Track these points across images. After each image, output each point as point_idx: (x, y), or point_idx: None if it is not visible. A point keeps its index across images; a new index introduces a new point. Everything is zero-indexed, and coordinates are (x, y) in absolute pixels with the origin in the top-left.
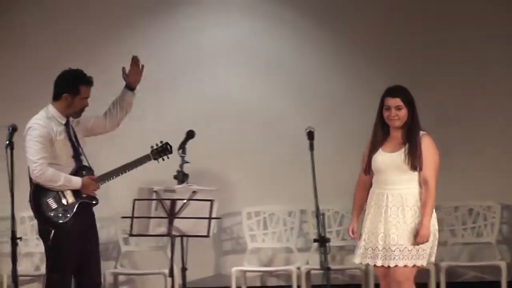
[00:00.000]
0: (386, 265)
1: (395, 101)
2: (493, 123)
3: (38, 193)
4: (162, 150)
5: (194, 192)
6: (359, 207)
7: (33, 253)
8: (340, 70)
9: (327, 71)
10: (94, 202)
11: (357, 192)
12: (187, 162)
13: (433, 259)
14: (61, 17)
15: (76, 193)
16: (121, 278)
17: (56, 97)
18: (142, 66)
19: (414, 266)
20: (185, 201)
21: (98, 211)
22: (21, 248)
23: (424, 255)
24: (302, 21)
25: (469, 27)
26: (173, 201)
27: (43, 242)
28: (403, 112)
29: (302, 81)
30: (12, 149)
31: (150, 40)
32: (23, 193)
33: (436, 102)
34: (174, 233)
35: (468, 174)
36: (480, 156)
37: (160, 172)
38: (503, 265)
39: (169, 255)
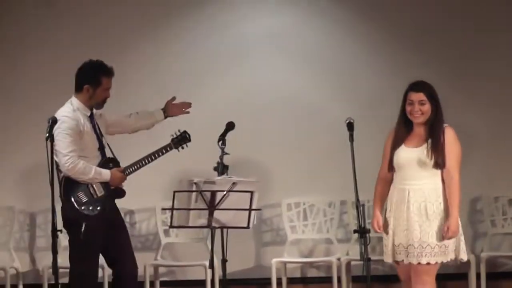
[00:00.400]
0: (407, 262)
1: (419, 96)
2: None
3: (69, 186)
4: (182, 139)
5: (234, 183)
6: (381, 201)
7: None
8: (380, 63)
9: (367, 64)
10: (122, 194)
11: (379, 186)
12: (227, 154)
13: (463, 255)
14: (92, 11)
15: (104, 185)
16: (161, 269)
17: (78, 89)
18: (188, 112)
19: (436, 263)
20: (225, 192)
21: (139, 203)
22: (61, 240)
23: (447, 252)
24: (343, 13)
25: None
26: (213, 193)
27: (70, 235)
28: (427, 107)
29: (342, 72)
30: (52, 141)
31: (190, 31)
32: None
33: (485, 89)
34: (214, 224)
35: (508, 164)
36: None
37: (200, 164)
38: None
39: (209, 246)
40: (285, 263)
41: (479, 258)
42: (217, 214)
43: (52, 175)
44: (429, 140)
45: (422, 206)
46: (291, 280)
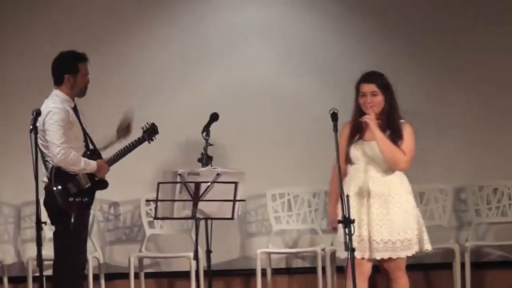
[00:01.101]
0: (372, 257)
1: (370, 87)
2: None
3: (59, 177)
4: (152, 131)
5: (218, 174)
6: (338, 197)
7: None
8: (364, 56)
9: (353, 57)
10: (105, 185)
11: (334, 181)
12: (211, 145)
13: (427, 246)
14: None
15: (90, 177)
16: (146, 261)
17: (58, 82)
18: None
19: (398, 258)
20: (209, 183)
21: (123, 194)
22: (46, 232)
23: (410, 246)
24: (331, 6)
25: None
26: (197, 184)
27: (58, 225)
28: (379, 99)
29: (328, 65)
30: (36, 133)
31: (177, 21)
32: None
33: (466, 81)
34: (198, 216)
35: (492, 153)
36: (504, 134)
37: (185, 155)
38: None
39: (194, 238)
40: (270, 253)
41: (463, 247)
42: (201, 205)
43: (37, 167)
44: (388, 132)
45: (382, 199)
46: (276, 271)
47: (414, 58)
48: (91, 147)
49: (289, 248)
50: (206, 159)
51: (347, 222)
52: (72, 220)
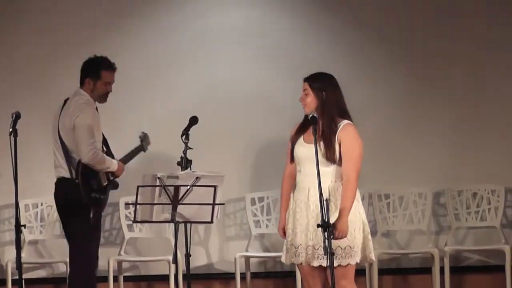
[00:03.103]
0: (310, 264)
1: (304, 85)
2: (497, 106)
3: (85, 173)
4: (147, 141)
5: (197, 178)
6: (288, 202)
7: (38, 240)
8: (344, 57)
9: (332, 59)
10: (117, 185)
11: (285, 185)
12: (190, 148)
13: (372, 255)
14: (61, 7)
15: (108, 176)
16: (125, 264)
17: (81, 83)
18: None
19: (339, 265)
20: (188, 187)
21: None
22: (26, 235)
23: (353, 254)
24: (309, 8)
25: (482, 17)
26: (177, 187)
27: (78, 217)
28: (309, 99)
29: (309, 67)
30: (15, 136)
31: (154, 23)
32: (28, 181)
33: (443, 85)
34: (177, 219)
35: (472, 158)
36: (484, 139)
37: (164, 158)
38: (507, 249)
39: (173, 241)
40: (249, 257)
41: (443, 252)
42: (180, 208)
43: (16, 170)
44: (321, 137)
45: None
46: (255, 275)
47: (393, 61)
48: (104, 149)
49: (268, 252)
50: (185, 163)
51: (326, 226)
52: (91, 215)
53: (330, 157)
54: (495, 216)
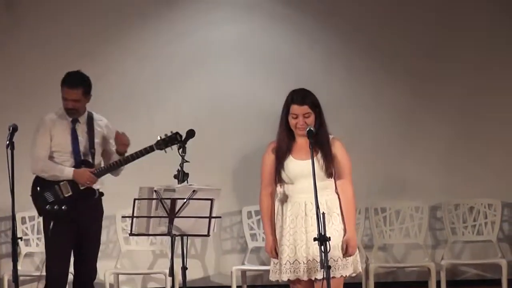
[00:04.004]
0: (312, 278)
1: (303, 109)
2: (495, 121)
3: (38, 185)
4: (170, 140)
5: (194, 191)
6: (272, 220)
7: (34, 253)
8: (339, 69)
9: (327, 70)
10: (93, 194)
11: (267, 205)
12: (187, 162)
13: (359, 267)
14: (61, 16)
15: (72, 186)
16: (121, 277)
17: None
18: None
19: (341, 276)
20: (185, 200)
21: None
22: (22, 248)
23: (348, 265)
24: (305, 21)
25: (476, 27)
26: (173, 201)
27: (44, 233)
28: (311, 119)
29: (305, 80)
30: (12, 149)
31: (153, 36)
32: (24, 193)
33: (438, 101)
34: (174, 232)
35: (469, 172)
36: (481, 154)
37: (161, 171)
38: (503, 263)
39: (170, 254)
40: (245, 271)
41: (439, 265)
42: (177, 222)
43: (13, 182)
44: (320, 152)
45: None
46: None
47: (391, 77)
48: (86, 158)
49: (264, 266)
50: (182, 176)
51: (323, 239)
52: (51, 227)
53: (330, 171)
54: (491, 230)
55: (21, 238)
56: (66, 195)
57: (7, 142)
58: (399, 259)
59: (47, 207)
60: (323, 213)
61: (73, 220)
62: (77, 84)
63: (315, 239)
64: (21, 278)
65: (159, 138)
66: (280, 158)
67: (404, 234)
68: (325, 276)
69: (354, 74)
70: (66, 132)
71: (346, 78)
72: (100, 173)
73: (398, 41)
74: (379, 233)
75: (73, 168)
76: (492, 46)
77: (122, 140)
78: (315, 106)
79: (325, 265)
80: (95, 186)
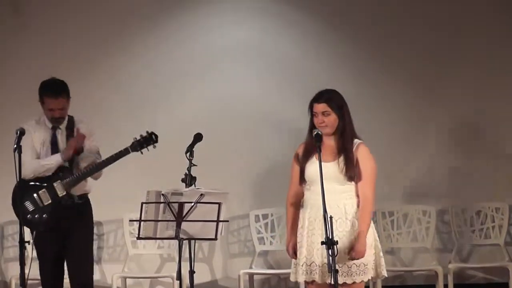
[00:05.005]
0: (322, 282)
1: (321, 107)
2: (503, 125)
3: (16, 196)
4: (145, 141)
5: (201, 195)
6: (296, 221)
7: None
8: (345, 73)
9: (333, 74)
10: (72, 200)
11: (291, 205)
12: (194, 165)
13: (384, 272)
14: (68, 20)
15: (51, 194)
16: (129, 281)
17: None
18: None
19: (354, 283)
20: (192, 204)
21: (106, 214)
22: (29, 252)
23: (366, 270)
24: (311, 25)
25: (482, 31)
26: (181, 204)
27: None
28: (331, 118)
29: (309, 83)
30: (20, 152)
31: (158, 42)
32: None
33: (445, 104)
34: (182, 236)
35: (476, 176)
36: (488, 157)
37: (168, 175)
38: (511, 266)
39: (177, 258)
40: (253, 274)
41: (447, 269)
42: (184, 225)
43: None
44: (342, 155)
45: (338, 223)
46: None
47: (395, 77)
48: (64, 165)
49: (272, 269)
50: (189, 180)
51: (330, 243)
52: (33, 237)
53: (351, 175)
54: (499, 234)
55: (28, 242)
56: (46, 203)
57: (15, 146)
58: (407, 263)
59: (28, 216)
60: (331, 217)
61: (55, 228)
62: (61, 91)
63: (322, 243)
64: (28, 282)
65: (134, 140)
66: (305, 159)
67: (412, 238)
68: (332, 280)
69: (359, 77)
70: (47, 140)
71: (354, 82)
72: (72, 182)
73: (405, 44)
74: (386, 236)
75: (57, 153)
76: (497, 47)
77: (72, 142)
78: (337, 106)
79: (333, 269)
80: (76, 193)
